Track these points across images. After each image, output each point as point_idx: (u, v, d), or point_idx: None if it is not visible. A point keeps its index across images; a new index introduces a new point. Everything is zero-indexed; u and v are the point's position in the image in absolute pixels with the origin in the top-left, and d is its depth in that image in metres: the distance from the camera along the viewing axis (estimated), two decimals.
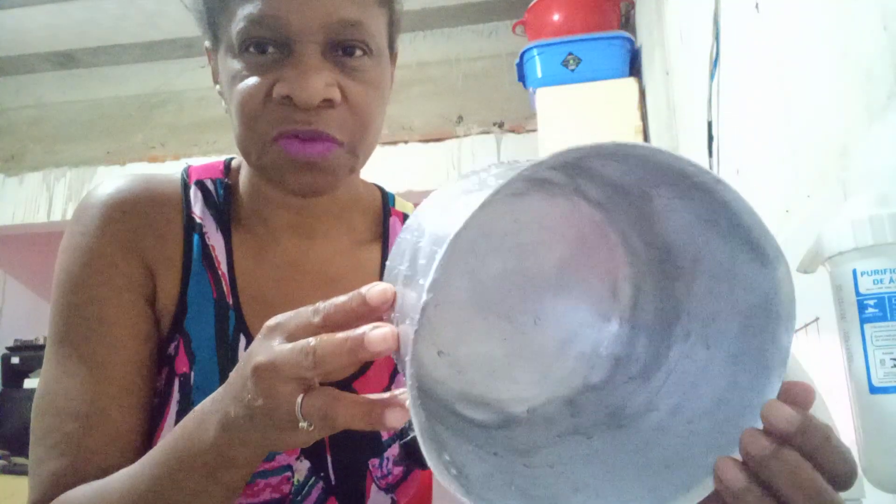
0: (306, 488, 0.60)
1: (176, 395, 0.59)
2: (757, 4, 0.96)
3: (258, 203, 0.67)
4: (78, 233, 0.62)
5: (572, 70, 2.15)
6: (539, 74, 2.17)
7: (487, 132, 2.89)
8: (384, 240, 0.71)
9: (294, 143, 0.56)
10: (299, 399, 0.39)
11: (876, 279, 0.51)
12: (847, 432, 0.57)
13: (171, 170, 0.68)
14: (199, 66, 3.22)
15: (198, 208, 0.65)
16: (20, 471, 2.97)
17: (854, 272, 0.52)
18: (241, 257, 0.65)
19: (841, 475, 0.36)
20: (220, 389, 0.45)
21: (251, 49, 0.56)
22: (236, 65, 0.57)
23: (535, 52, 2.19)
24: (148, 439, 0.60)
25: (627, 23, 2.36)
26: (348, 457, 0.62)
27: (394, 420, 0.38)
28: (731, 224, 0.39)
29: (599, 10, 2.24)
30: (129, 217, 0.62)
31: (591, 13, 2.23)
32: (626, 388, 0.44)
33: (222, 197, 0.66)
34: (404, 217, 0.73)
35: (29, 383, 3.48)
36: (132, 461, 0.54)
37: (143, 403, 0.60)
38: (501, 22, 2.88)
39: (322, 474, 0.61)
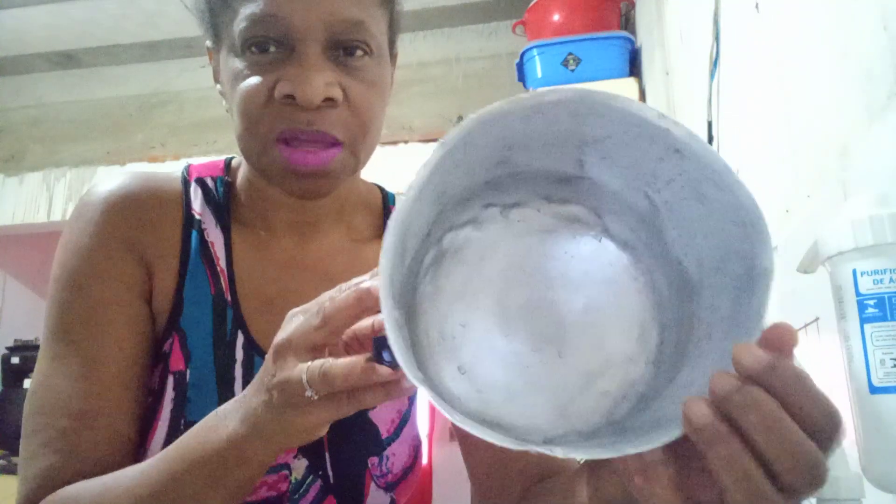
0: (304, 486, 0.60)
1: (171, 393, 0.59)
2: (757, 4, 0.96)
3: (258, 201, 0.66)
4: (77, 229, 0.61)
5: (572, 70, 2.15)
6: (539, 74, 2.17)
7: None
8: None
9: (296, 153, 0.56)
10: (306, 366, 0.40)
11: (876, 279, 0.51)
12: (847, 432, 0.57)
13: (171, 170, 0.68)
14: (199, 66, 3.22)
15: (197, 205, 0.65)
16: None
17: (854, 272, 0.52)
18: (241, 254, 0.64)
19: (819, 425, 0.33)
20: (244, 390, 0.46)
21: (253, 48, 0.56)
22: (238, 64, 0.57)
23: (535, 52, 2.19)
24: (142, 438, 0.59)
25: (627, 23, 2.36)
26: (347, 455, 0.62)
27: (385, 372, 0.39)
28: (717, 188, 0.39)
29: (599, 10, 2.24)
30: (127, 214, 0.61)
31: (591, 13, 2.23)
32: (644, 417, 0.44)
33: (222, 194, 0.66)
34: None
35: (29, 383, 3.48)
36: (126, 459, 0.56)
37: (137, 401, 0.59)
38: (501, 22, 2.88)
39: (320, 472, 0.61)
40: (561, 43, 2.16)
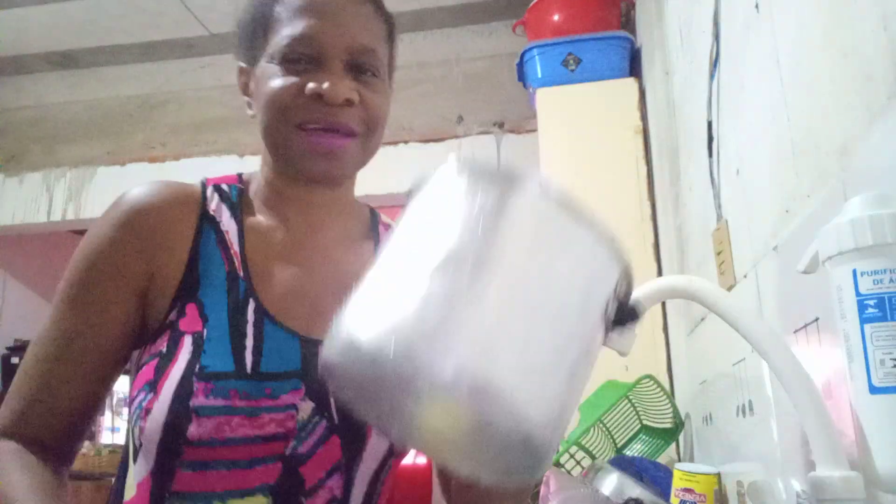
0: (310, 425, 0.69)
1: (188, 347, 0.68)
2: (757, 4, 0.96)
3: (272, 198, 0.79)
4: (102, 223, 0.74)
5: (572, 70, 2.15)
6: (539, 74, 2.17)
7: (487, 132, 2.89)
8: (375, 240, 0.83)
9: (318, 136, 0.72)
10: None
11: (876, 279, 0.51)
12: (847, 432, 0.57)
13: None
14: (199, 66, 3.23)
15: (213, 203, 0.77)
16: None
17: (854, 272, 0.52)
18: (252, 240, 0.76)
19: None
20: None
21: (289, 60, 0.72)
22: (274, 69, 0.72)
23: (535, 52, 2.19)
24: (154, 386, 0.69)
25: (627, 23, 2.36)
26: None
27: None
28: None
29: (599, 10, 2.24)
30: (144, 217, 0.73)
31: (591, 13, 2.23)
32: None
33: (235, 196, 0.79)
34: (388, 226, 0.86)
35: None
36: (78, 422, 0.72)
37: (95, 387, 0.73)
38: (501, 22, 2.88)
39: (326, 414, 0.69)
40: (561, 43, 2.16)
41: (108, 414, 3.50)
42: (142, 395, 0.68)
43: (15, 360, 3.58)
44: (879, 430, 0.50)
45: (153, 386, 0.68)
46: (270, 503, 0.67)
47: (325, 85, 0.70)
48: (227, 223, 0.76)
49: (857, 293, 0.51)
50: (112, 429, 3.54)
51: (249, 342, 0.70)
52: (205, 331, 0.70)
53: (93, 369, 0.72)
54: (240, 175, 0.83)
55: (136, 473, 0.69)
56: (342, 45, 0.72)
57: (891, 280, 0.50)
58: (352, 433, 0.71)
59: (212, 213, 0.76)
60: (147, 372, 0.69)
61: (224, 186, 0.80)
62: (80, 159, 3.29)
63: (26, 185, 3.31)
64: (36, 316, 4.08)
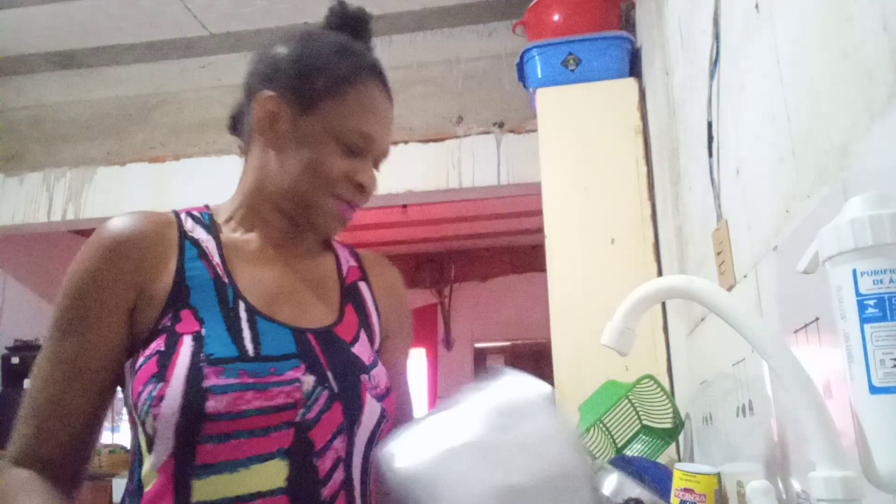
0: (315, 394, 0.78)
1: (189, 343, 0.76)
2: (757, 4, 0.96)
3: (247, 218, 0.90)
4: (87, 252, 0.81)
5: (572, 70, 2.15)
6: (539, 74, 2.17)
7: (487, 132, 2.89)
8: (334, 253, 0.97)
9: (346, 209, 0.87)
10: None
11: (876, 279, 0.51)
12: (847, 432, 0.57)
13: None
14: (198, 67, 3.23)
15: (189, 224, 0.86)
16: None
17: (854, 272, 0.52)
18: (229, 251, 0.86)
19: None
20: None
21: (348, 145, 0.84)
22: (332, 146, 0.84)
23: (535, 52, 2.19)
24: (161, 376, 0.75)
25: (627, 23, 2.36)
26: (343, 372, 0.81)
27: None
28: None
29: (599, 10, 2.24)
30: (121, 246, 0.80)
31: (591, 13, 2.23)
32: None
33: (208, 219, 0.89)
34: (340, 242, 1.01)
35: (29, 383, 3.48)
36: (84, 436, 0.79)
37: (99, 401, 0.80)
38: (501, 22, 2.88)
39: (326, 384, 0.79)
40: (561, 43, 2.16)
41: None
42: (149, 388, 0.74)
43: (15, 359, 3.58)
44: (879, 430, 0.50)
45: (160, 377, 0.74)
46: (288, 465, 0.75)
47: (367, 179, 0.87)
48: (206, 240, 0.85)
49: (857, 293, 0.51)
50: (112, 428, 3.54)
51: (247, 334, 0.79)
52: (203, 329, 0.77)
53: (95, 386, 0.79)
54: (206, 206, 0.94)
55: (154, 461, 0.74)
56: (383, 150, 0.89)
57: (891, 280, 0.50)
58: (350, 400, 0.80)
59: (189, 231, 0.85)
60: (149, 368, 0.75)
61: (195, 213, 0.89)
62: (80, 159, 3.29)
63: (26, 185, 3.31)
64: (36, 316, 4.08)
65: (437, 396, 5.52)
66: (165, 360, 0.75)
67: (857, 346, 0.51)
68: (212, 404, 0.72)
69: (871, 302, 0.51)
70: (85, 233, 4.44)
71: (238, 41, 3.04)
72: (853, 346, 0.52)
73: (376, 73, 0.88)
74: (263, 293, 0.84)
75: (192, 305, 0.79)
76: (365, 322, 0.90)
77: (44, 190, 3.28)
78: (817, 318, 0.76)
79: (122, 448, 3.24)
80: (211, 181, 3.10)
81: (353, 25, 0.93)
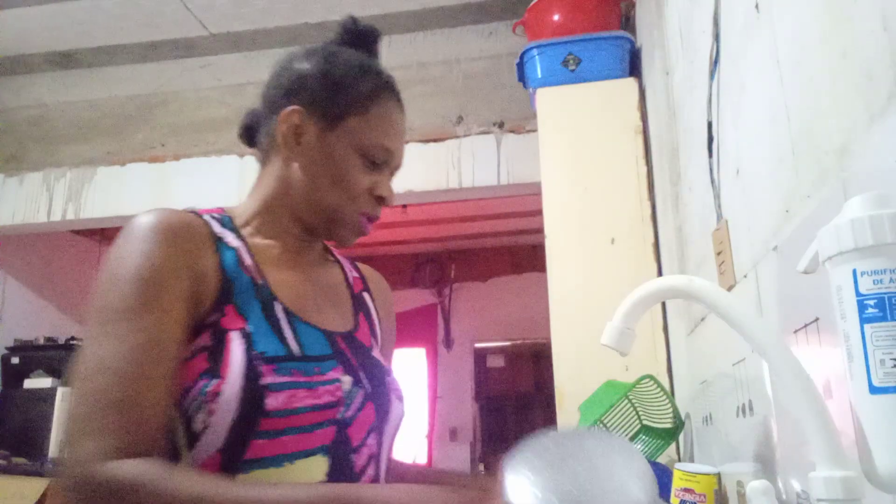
0: (352, 394, 0.82)
1: (238, 339, 0.78)
2: (757, 4, 0.96)
3: (266, 224, 0.91)
4: (136, 242, 0.78)
5: (572, 70, 2.15)
6: (539, 74, 2.17)
7: (487, 132, 2.89)
8: (338, 262, 1.02)
9: (366, 222, 0.91)
10: None
11: (876, 279, 0.51)
12: (847, 432, 0.57)
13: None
14: (199, 67, 3.23)
15: (216, 227, 0.87)
16: (20, 471, 2.96)
17: (854, 272, 0.52)
18: (260, 255, 0.88)
19: None
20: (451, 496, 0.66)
21: (371, 160, 0.89)
22: (356, 160, 0.88)
23: (535, 52, 2.19)
24: (216, 372, 0.76)
25: (627, 23, 2.36)
26: (373, 374, 0.87)
27: None
28: None
29: (599, 10, 2.24)
30: (178, 236, 0.80)
31: (591, 13, 2.23)
32: None
33: (228, 222, 0.89)
34: (340, 254, 1.06)
35: (29, 383, 3.48)
36: (161, 441, 0.74)
37: (172, 388, 0.76)
38: (501, 22, 2.88)
39: (361, 385, 0.84)
40: (561, 43, 2.16)
41: None
42: (202, 383, 0.75)
43: (15, 360, 3.58)
44: (879, 430, 0.50)
45: (214, 373, 0.75)
46: (328, 460, 0.79)
47: (387, 192, 0.91)
48: (234, 241, 0.87)
49: (857, 293, 0.51)
50: None
51: (289, 334, 0.82)
52: (247, 326, 0.79)
53: (172, 370, 0.76)
54: (222, 209, 0.94)
55: (197, 456, 0.75)
56: (399, 163, 0.94)
57: (891, 280, 0.50)
58: (381, 400, 0.86)
59: (218, 233, 0.86)
60: (198, 363, 0.77)
61: (216, 215, 0.90)
62: (80, 159, 3.29)
63: (26, 185, 3.31)
64: (36, 316, 4.08)
65: (436, 396, 5.52)
66: (217, 355, 0.76)
67: (857, 345, 0.51)
68: (270, 401, 0.74)
69: (871, 302, 0.51)
70: (85, 233, 4.44)
71: (238, 41, 3.04)
72: (853, 345, 0.52)
73: (394, 89, 0.93)
74: (293, 296, 0.87)
75: (235, 302, 0.81)
76: (373, 331, 0.96)
77: (44, 190, 3.28)
78: (817, 318, 0.76)
79: None
80: (211, 181, 3.10)
81: (364, 41, 0.97)
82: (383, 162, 0.90)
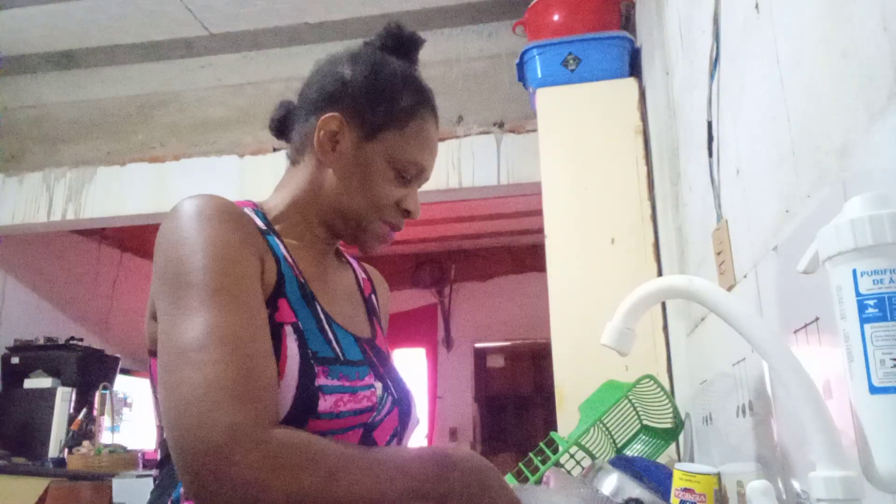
0: (384, 399, 0.84)
1: (292, 335, 0.77)
2: (757, 4, 0.96)
3: (297, 226, 0.91)
4: (206, 218, 0.74)
5: (572, 70, 2.15)
6: (539, 74, 2.17)
7: (487, 132, 2.89)
8: (351, 267, 1.04)
9: (390, 232, 0.93)
10: None
11: (876, 279, 0.51)
12: (847, 432, 0.57)
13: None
14: (199, 67, 3.23)
15: (258, 220, 0.85)
16: (20, 471, 2.97)
17: (854, 272, 0.52)
18: (295, 254, 0.88)
19: None
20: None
21: (403, 174, 0.89)
22: (389, 172, 0.89)
23: (535, 52, 2.19)
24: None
25: (627, 23, 2.36)
26: (398, 382, 0.90)
27: None
28: None
29: (599, 10, 2.24)
30: (240, 221, 0.78)
31: (591, 13, 2.23)
32: None
33: (263, 218, 0.88)
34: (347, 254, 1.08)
35: (29, 383, 3.48)
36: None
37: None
38: (501, 22, 2.88)
39: (389, 391, 0.86)
40: (561, 43, 2.16)
41: (107, 414, 3.49)
42: None
43: (15, 359, 3.58)
44: (879, 430, 0.50)
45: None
46: None
47: (414, 207, 0.92)
48: (273, 240, 0.85)
49: (857, 293, 0.51)
50: (112, 428, 3.54)
51: (331, 336, 0.83)
52: (298, 322, 0.79)
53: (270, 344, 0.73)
54: (252, 202, 0.91)
55: None
56: (428, 177, 0.95)
57: (891, 280, 0.50)
58: (404, 406, 0.88)
59: (262, 226, 0.85)
60: None
61: (249, 208, 0.88)
62: (80, 159, 3.30)
63: (26, 185, 3.31)
64: (36, 316, 4.08)
65: (436, 396, 5.52)
66: (274, 351, 0.73)
67: (857, 345, 0.51)
68: (322, 403, 0.75)
69: (871, 302, 0.51)
70: (85, 233, 4.44)
71: (238, 41, 3.04)
72: (853, 345, 0.52)
73: (432, 105, 0.94)
74: (327, 299, 0.87)
75: (287, 296, 0.80)
76: (384, 335, 0.99)
77: (44, 190, 3.28)
78: (817, 318, 0.76)
79: (123, 448, 3.23)
80: (211, 181, 3.10)
81: (406, 49, 0.98)
82: (414, 177, 0.91)
